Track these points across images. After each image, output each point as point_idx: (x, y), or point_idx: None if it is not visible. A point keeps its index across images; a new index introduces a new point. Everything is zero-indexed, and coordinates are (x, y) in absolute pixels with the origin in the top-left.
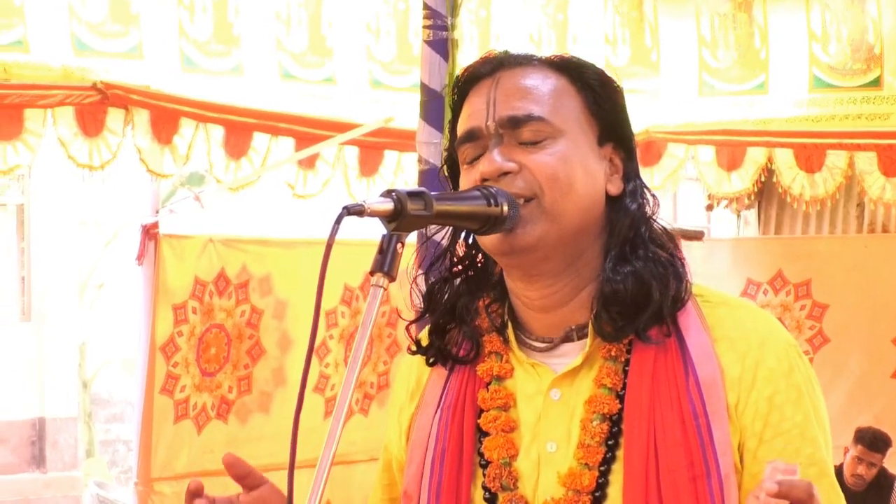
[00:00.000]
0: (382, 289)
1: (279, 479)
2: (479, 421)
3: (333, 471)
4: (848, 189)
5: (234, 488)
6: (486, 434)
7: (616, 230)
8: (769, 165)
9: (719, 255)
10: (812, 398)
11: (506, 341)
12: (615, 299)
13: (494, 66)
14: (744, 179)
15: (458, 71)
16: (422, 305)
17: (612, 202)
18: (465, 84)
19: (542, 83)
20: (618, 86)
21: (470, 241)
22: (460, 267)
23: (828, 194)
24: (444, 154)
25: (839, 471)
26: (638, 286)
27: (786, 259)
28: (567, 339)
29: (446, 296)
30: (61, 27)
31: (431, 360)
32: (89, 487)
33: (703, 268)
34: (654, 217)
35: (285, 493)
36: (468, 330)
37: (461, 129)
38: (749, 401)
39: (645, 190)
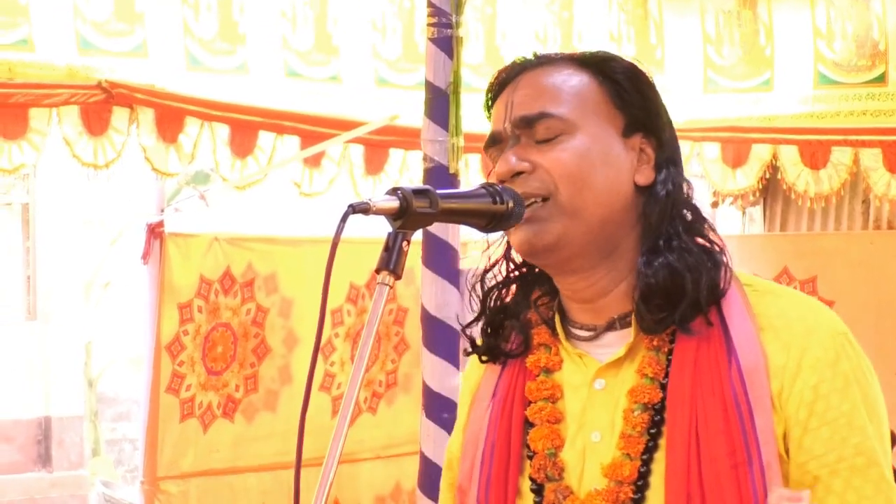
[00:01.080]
0: (388, 287)
1: (286, 478)
2: (526, 412)
3: (340, 469)
4: (853, 186)
5: (239, 487)
6: (533, 425)
7: (648, 221)
8: (774, 162)
9: None
10: (862, 387)
11: (554, 333)
12: (651, 293)
13: (518, 70)
14: (749, 176)
15: (464, 68)
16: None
17: (645, 192)
18: (496, 89)
19: (561, 81)
20: (647, 77)
21: None
22: (517, 273)
23: (833, 191)
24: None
25: None
26: (670, 279)
27: (791, 256)
28: (610, 327)
29: (500, 298)
30: (66, 26)
31: (484, 359)
32: (95, 486)
33: None
34: (690, 203)
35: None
36: (518, 324)
37: (489, 134)
38: (794, 390)
39: (678, 177)
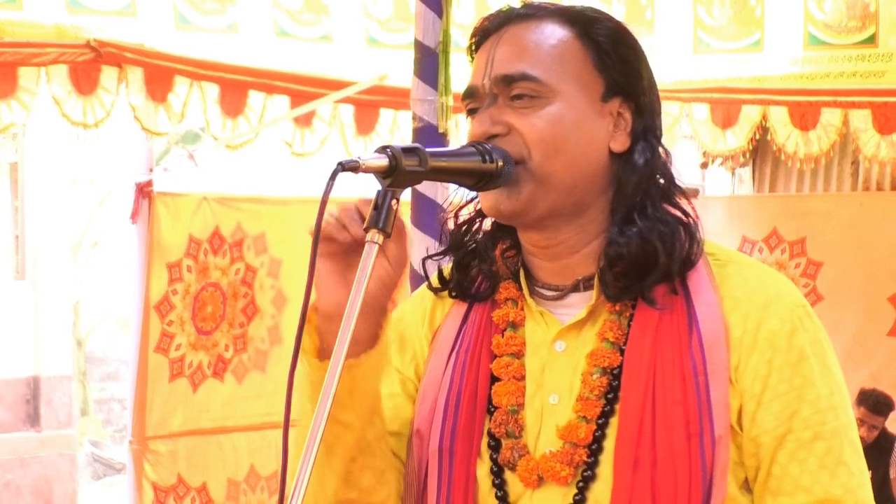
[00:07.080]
0: (377, 245)
1: (275, 438)
2: (491, 366)
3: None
4: (842, 147)
5: (227, 447)
6: (497, 380)
7: (622, 188)
8: (764, 123)
9: (714, 213)
10: (819, 359)
11: (520, 288)
12: (619, 261)
13: (502, 21)
14: (738, 137)
15: (453, 28)
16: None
17: (620, 158)
18: (480, 37)
19: (545, 39)
20: (632, 40)
21: None
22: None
23: (822, 152)
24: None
25: None
26: (642, 249)
27: (781, 217)
28: (575, 289)
29: (470, 235)
30: None
31: (454, 294)
32: (84, 446)
33: None
34: (667, 172)
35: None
36: (487, 270)
37: (467, 84)
38: (749, 363)
39: (656, 145)
